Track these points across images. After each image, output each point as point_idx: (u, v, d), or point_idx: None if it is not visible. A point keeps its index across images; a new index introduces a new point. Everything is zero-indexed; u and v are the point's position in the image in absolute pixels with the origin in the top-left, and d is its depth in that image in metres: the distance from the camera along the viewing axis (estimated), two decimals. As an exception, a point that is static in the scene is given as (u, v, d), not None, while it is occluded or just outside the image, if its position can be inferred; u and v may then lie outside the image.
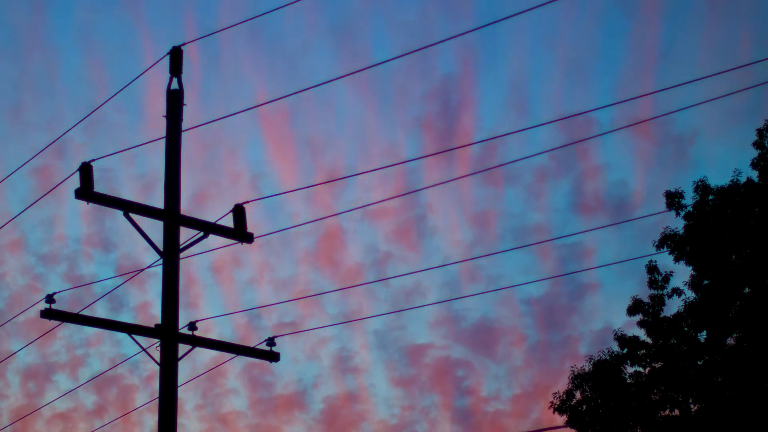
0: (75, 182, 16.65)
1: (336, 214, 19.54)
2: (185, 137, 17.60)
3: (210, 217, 17.32)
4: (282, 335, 18.48)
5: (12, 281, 53.49)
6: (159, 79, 17.87)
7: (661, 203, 27.23)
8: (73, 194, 16.58)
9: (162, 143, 17.55)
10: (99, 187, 16.66)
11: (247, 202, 17.81)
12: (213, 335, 17.71)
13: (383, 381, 56.13)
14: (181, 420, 52.51)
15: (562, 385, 28.52)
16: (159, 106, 17.65)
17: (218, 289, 55.81)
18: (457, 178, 18.03)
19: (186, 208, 17.22)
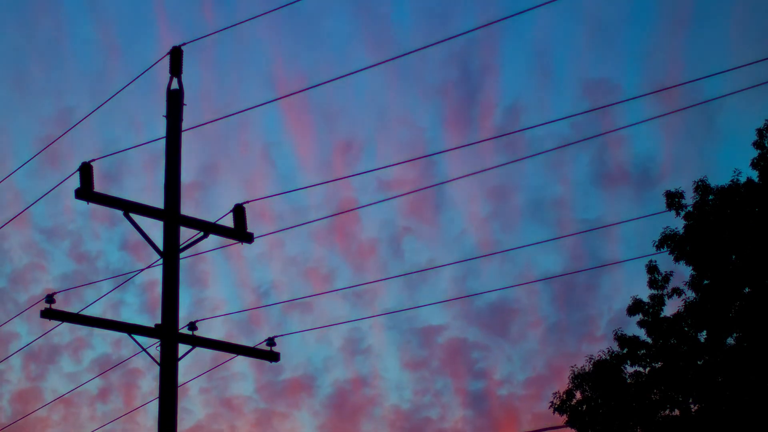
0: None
1: (336, 214, 19.55)
2: (185, 137, 17.63)
3: (221, 189, 17.20)
4: (282, 335, 18.50)
5: (17, 259, 52.95)
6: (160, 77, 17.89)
7: (688, 175, 26.95)
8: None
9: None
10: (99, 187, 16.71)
11: (247, 202, 17.85)
12: (225, 310, 17.63)
13: (395, 364, 54.51)
14: (185, 404, 51.83)
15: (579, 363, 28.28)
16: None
17: (229, 264, 54.15)
18: (461, 177, 18.03)
19: (196, 180, 17.19)
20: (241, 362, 53.97)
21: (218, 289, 53.56)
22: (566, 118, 16.87)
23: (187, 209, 17.27)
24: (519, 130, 17.15)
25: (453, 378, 52.83)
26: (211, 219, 17.47)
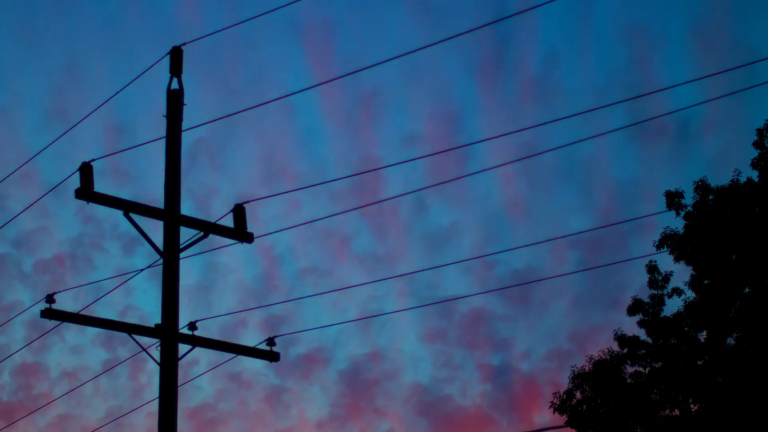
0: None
1: (338, 214, 19.53)
2: (185, 136, 17.63)
3: (240, 144, 16.94)
4: (282, 335, 18.51)
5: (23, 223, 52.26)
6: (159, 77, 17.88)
7: (726, 132, 26.46)
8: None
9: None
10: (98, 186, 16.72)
11: (247, 202, 17.86)
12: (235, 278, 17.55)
13: (413, 336, 52.38)
14: (194, 381, 51.11)
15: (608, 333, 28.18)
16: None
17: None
18: (458, 178, 17.99)
19: (205, 135, 17.13)
20: (252, 334, 52.81)
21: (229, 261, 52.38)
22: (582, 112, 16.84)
23: (201, 169, 17.14)
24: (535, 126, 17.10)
25: (473, 350, 50.61)
26: (227, 178, 17.43)
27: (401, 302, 51.54)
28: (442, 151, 17.51)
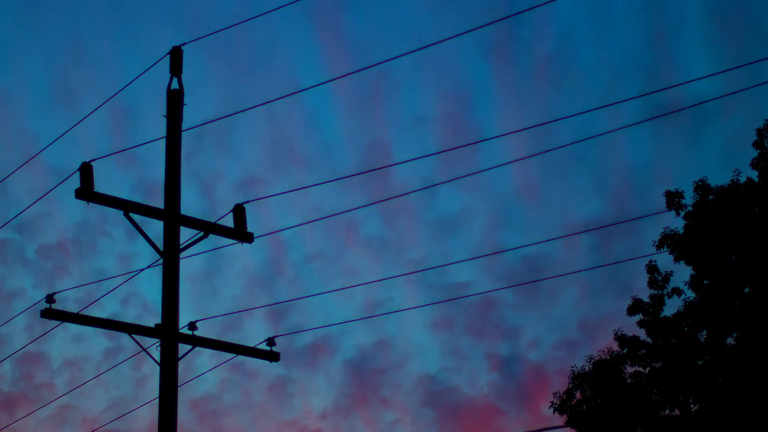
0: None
1: (339, 213, 19.53)
2: (185, 136, 17.63)
3: (247, 126, 16.78)
4: (282, 335, 18.51)
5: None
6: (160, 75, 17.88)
7: (744, 111, 26.01)
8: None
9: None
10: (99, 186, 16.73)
11: (247, 202, 17.87)
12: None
13: (420, 324, 51.13)
14: (197, 370, 50.30)
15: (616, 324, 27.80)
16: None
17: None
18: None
19: (212, 116, 17.06)
20: (258, 321, 51.85)
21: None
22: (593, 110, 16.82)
23: (208, 151, 17.10)
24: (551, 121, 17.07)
25: (481, 339, 49.30)
26: (233, 160, 17.43)
27: (409, 289, 50.54)
28: (451, 149, 17.50)
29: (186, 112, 17.48)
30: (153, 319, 16.93)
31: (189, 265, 17.47)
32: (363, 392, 49.81)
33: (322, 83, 17.86)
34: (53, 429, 48.78)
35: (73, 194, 16.54)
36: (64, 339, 52.12)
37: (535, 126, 16.27)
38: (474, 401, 48.79)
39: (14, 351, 23.69)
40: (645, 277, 27.70)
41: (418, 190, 18.76)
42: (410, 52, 16.39)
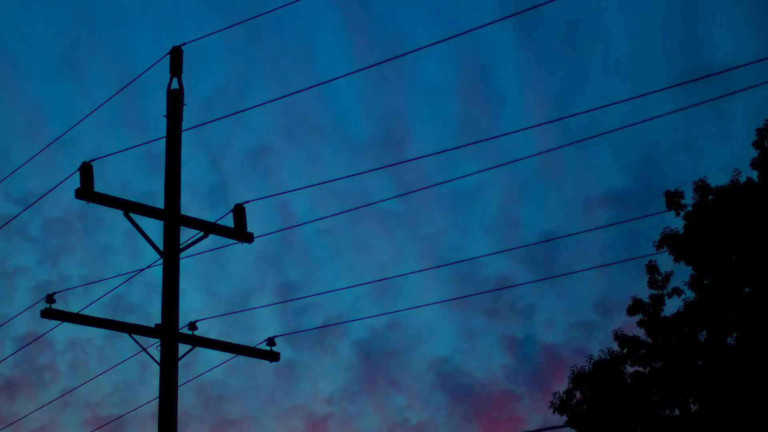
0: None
1: (338, 213, 19.56)
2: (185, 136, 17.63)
3: (258, 92, 16.51)
4: (282, 335, 18.52)
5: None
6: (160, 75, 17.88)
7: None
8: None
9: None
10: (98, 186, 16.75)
11: (247, 202, 17.89)
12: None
13: (432, 305, 50.79)
14: (201, 354, 49.28)
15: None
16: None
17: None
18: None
19: (222, 84, 16.97)
20: (267, 298, 50.82)
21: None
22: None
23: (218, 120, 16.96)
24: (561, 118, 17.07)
25: (495, 319, 47.68)
26: (244, 128, 17.39)
27: (422, 265, 48.91)
28: (461, 145, 17.50)
29: (198, 82, 17.44)
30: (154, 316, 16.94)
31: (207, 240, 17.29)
32: (373, 375, 48.60)
33: (354, 72, 17.82)
34: (56, 414, 48.02)
35: (77, 164, 16.58)
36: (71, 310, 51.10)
37: (560, 119, 16.23)
38: (487, 385, 47.52)
39: (17, 344, 23.72)
40: (663, 256, 27.30)
41: (453, 180, 18.75)
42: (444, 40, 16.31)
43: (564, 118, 16.19)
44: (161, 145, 17.51)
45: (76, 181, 16.69)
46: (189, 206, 17.25)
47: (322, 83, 17.73)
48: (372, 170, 17.86)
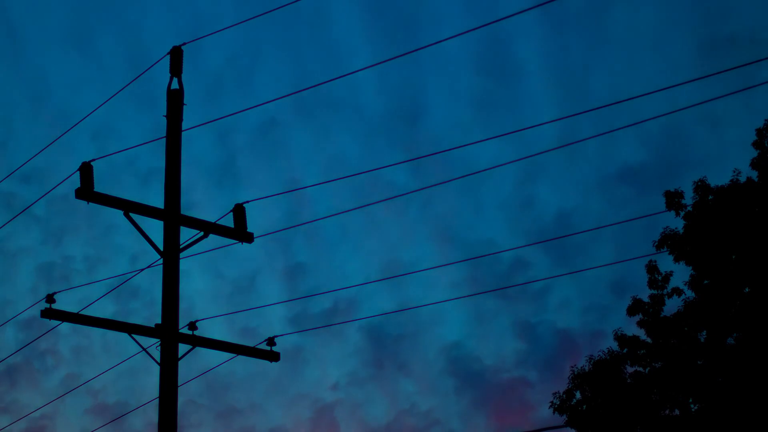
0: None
1: (336, 214, 19.59)
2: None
3: (269, 62, 16.22)
4: (282, 335, 18.53)
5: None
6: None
7: None
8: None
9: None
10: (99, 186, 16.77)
11: (247, 201, 17.91)
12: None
13: (443, 287, 47.03)
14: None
15: None
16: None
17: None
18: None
19: (232, 55, 16.90)
20: (271, 285, 49.80)
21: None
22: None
23: (228, 90, 16.96)
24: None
25: (507, 302, 46.07)
26: (255, 101, 17.32)
27: (433, 247, 47.04)
28: (496, 136, 17.51)
29: (201, 67, 17.43)
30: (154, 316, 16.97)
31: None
32: (382, 360, 47.46)
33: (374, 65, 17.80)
34: (58, 402, 47.44)
35: (82, 139, 16.61)
36: (70, 303, 50.32)
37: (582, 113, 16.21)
38: (499, 371, 45.85)
39: (19, 328, 23.74)
40: (663, 256, 27.13)
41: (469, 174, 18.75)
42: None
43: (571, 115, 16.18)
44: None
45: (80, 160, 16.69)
46: (196, 183, 17.16)
47: (335, 81, 17.74)
48: (368, 171, 17.86)
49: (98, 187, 16.71)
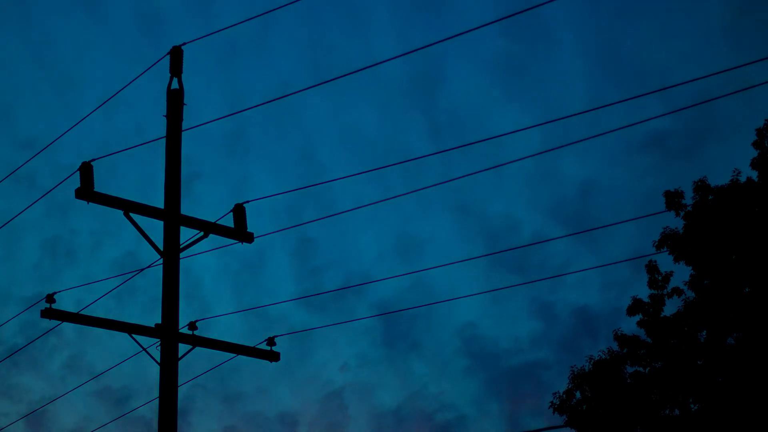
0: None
1: (337, 214, 19.56)
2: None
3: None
4: (282, 335, 18.53)
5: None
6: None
7: None
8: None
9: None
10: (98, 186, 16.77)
11: (247, 201, 17.91)
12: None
13: (456, 265, 47.40)
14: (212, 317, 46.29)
15: None
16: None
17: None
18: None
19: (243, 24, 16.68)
20: (280, 258, 48.17)
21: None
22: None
23: (241, 59, 16.84)
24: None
25: (524, 280, 46.09)
26: (269, 70, 17.13)
27: (446, 219, 44.48)
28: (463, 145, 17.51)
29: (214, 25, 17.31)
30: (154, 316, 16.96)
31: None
32: (393, 340, 45.91)
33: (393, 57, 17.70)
34: (61, 385, 46.72)
35: (87, 107, 16.63)
36: (73, 280, 48.95)
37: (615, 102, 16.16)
38: (515, 352, 44.21)
39: (23, 305, 23.71)
40: (663, 256, 26.86)
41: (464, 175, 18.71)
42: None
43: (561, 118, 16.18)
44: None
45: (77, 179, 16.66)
46: (204, 154, 16.99)
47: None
48: (369, 170, 17.86)
49: (98, 184, 16.71)
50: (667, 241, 27.10)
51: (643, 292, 27.14)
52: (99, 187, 16.71)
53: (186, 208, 17.16)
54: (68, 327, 47.72)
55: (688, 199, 27.11)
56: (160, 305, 16.84)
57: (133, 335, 17.17)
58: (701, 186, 27.04)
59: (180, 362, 16.80)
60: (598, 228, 19.86)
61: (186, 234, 17.36)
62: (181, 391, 19.18)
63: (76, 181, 16.66)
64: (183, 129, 17.59)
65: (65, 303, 17.25)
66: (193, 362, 17.91)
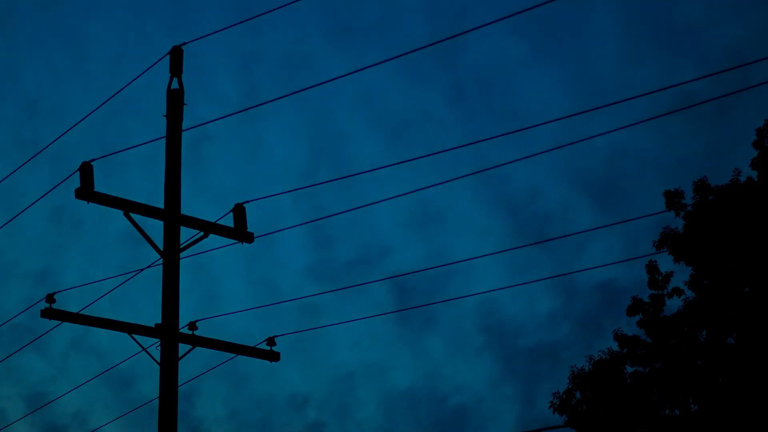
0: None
1: (333, 215, 19.56)
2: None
3: None
4: (282, 335, 18.53)
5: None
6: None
7: None
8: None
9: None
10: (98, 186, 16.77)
11: (247, 201, 17.91)
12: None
13: (474, 240, 43.08)
14: (223, 294, 43.34)
15: None
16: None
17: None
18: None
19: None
20: (293, 237, 46.04)
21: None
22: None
23: (250, 22, 16.66)
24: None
25: (544, 255, 42.48)
26: (282, 31, 17.06)
27: (465, 196, 42.38)
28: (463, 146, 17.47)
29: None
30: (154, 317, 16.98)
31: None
32: (407, 318, 44.14)
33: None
34: (62, 365, 45.71)
35: (92, 68, 16.60)
36: (79, 252, 47.59)
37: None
38: (533, 331, 42.39)
39: (27, 280, 23.72)
40: (663, 256, 26.60)
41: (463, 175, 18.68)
42: None
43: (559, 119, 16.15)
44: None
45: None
46: (216, 111, 16.81)
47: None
48: (368, 171, 17.87)
49: (98, 180, 16.72)
50: (667, 241, 27.10)
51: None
52: (99, 187, 16.74)
53: (193, 186, 17.00)
54: (74, 305, 47.67)
55: (688, 199, 27.13)
56: (160, 305, 16.87)
57: (133, 335, 17.17)
58: (701, 186, 27.05)
59: (181, 361, 16.83)
60: (597, 228, 19.87)
61: (186, 234, 17.40)
62: (188, 376, 19.10)
63: (75, 182, 16.68)
64: (183, 129, 17.61)
65: (66, 300, 17.28)
66: (193, 359, 17.92)
